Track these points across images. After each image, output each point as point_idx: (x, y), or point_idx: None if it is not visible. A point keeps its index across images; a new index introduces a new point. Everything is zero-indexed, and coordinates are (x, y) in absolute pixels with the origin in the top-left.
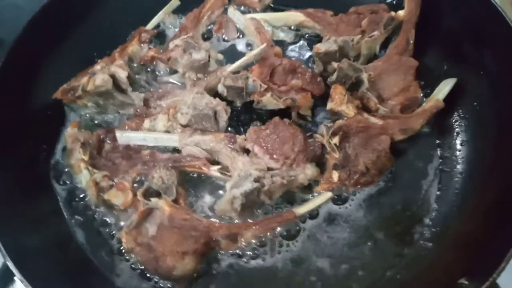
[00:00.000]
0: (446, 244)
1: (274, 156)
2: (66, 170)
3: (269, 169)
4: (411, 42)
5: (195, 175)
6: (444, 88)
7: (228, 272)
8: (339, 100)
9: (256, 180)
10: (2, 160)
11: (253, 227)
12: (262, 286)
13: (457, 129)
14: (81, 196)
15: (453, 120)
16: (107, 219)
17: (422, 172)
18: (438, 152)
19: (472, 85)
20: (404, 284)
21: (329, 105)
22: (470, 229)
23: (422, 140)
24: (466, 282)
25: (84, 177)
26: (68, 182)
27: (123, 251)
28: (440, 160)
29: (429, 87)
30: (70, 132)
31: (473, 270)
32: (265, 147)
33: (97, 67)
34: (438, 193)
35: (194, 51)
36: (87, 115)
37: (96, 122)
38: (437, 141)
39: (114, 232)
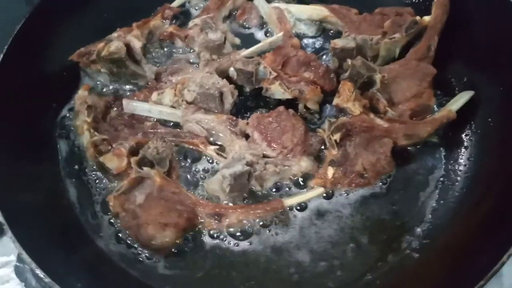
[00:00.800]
0: (433, 257)
1: (272, 144)
2: (71, 130)
3: (264, 156)
4: (433, 49)
5: (195, 153)
6: (460, 99)
7: (208, 250)
8: (346, 97)
9: (249, 164)
10: (11, 112)
11: (239, 210)
12: (239, 268)
13: (466, 144)
14: (81, 157)
15: (464, 134)
16: (101, 182)
17: (423, 182)
18: (443, 164)
19: (489, 101)
20: None
21: (336, 100)
22: (459, 246)
23: (429, 150)
24: None
25: (85, 138)
26: (70, 141)
27: (110, 214)
28: (443, 173)
29: (446, 97)
30: (80, 94)
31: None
32: (264, 134)
33: (114, 34)
34: (434, 205)
35: (211, 31)
36: (100, 81)
37: (107, 89)
38: (444, 153)
39: (104, 195)
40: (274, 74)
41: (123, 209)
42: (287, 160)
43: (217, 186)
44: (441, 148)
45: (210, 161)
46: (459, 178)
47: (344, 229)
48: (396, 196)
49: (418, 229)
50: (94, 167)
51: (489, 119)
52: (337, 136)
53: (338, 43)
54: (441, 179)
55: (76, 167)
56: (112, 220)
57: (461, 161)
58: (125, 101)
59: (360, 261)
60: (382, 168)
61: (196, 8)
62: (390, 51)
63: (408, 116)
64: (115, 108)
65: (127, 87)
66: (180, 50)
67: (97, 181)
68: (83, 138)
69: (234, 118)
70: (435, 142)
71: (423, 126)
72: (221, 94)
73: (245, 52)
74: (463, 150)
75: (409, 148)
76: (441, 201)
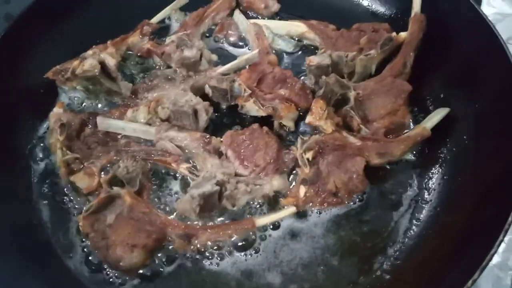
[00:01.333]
0: (404, 278)
1: (245, 162)
2: (46, 148)
3: (237, 174)
4: (409, 65)
5: (170, 171)
6: (435, 117)
7: (178, 272)
8: (318, 115)
9: (219, 183)
10: None
11: (209, 230)
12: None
13: (441, 161)
14: (55, 176)
15: (439, 152)
16: (74, 202)
17: (396, 201)
18: (417, 182)
19: (465, 119)
20: None
21: (308, 118)
22: (430, 265)
23: (403, 168)
24: None
25: (57, 157)
26: (45, 160)
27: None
28: (417, 191)
29: (421, 114)
30: (54, 111)
31: None
32: (237, 152)
33: (89, 52)
34: (407, 224)
35: (186, 48)
36: (76, 99)
37: (84, 106)
38: (418, 171)
39: (77, 215)
40: (249, 91)
41: (92, 229)
42: (259, 179)
43: (187, 206)
44: (416, 166)
45: (183, 180)
46: (432, 197)
47: (316, 250)
48: (369, 215)
49: (391, 250)
50: (68, 186)
51: (464, 137)
52: (309, 155)
53: (314, 60)
54: (415, 197)
55: (49, 186)
56: (83, 241)
57: (435, 179)
58: (99, 119)
59: (331, 283)
60: (354, 187)
61: (175, 22)
62: (366, 67)
63: (383, 133)
64: (90, 126)
65: (103, 104)
66: (157, 66)
67: (70, 201)
68: (56, 156)
69: (208, 136)
70: (411, 159)
71: (397, 144)
72: (195, 111)
73: (221, 69)
74: (437, 168)
75: (382, 166)
76: (414, 221)
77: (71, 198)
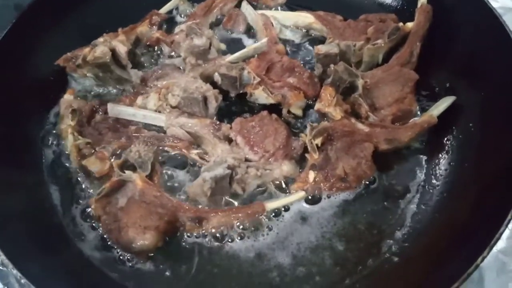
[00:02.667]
0: (412, 260)
1: (254, 148)
2: (57, 135)
3: (246, 160)
4: (415, 55)
5: (179, 157)
6: (441, 105)
7: (192, 254)
8: (327, 102)
9: (230, 167)
10: None
11: (220, 214)
12: (223, 273)
13: (447, 148)
14: (65, 161)
15: (446, 139)
16: (84, 186)
17: (404, 187)
18: (424, 168)
19: (471, 106)
20: None
21: (317, 105)
22: (438, 249)
23: (411, 155)
24: None
25: (69, 142)
26: (55, 146)
27: (92, 217)
28: (424, 177)
29: (428, 103)
30: (65, 98)
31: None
32: (247, 138)
33: (100, 39)
34: (415, 209)
35: (196, 36)
36: (86, 85)
37: (94, 93)
38: (426, 158)
39: (88, 199)
40: (258, 79)
41: (104, 212)
42: (269, 164)
43: (199, 189)
44: (423, 152)
45: (193, 165)
46: (439, 183)
47: (325, 234)
48: (377, 200)
49: (398, 233)
50: (78, 171)
51: (470, 124)
52: (318, 141)
53: (322, 49)
54: (422, 183)
55: (61, 171)
56: (94, 224)
57: (442, 166)
58: (109, 105)
59: (340, 266)
60: (363, 173)
61: (183, 15)
62: (373, 57)
63: (390, 121)
64: (100, 112)
65: (113, 91)
66: (167, 55)
67: (81, 185)
68: (67, 141)
69: (218, 122)
70: (418, 147)
71: (404, 131)
72: (205, 98)
73: (230, 57)
74: (444, 155)
75: (391, 152)
76: (422, 206)
77: (82, 182)
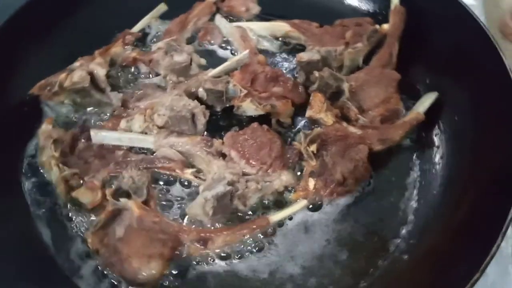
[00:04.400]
0: (421, 255)
1: (251, 161)
2: (38, 167)
3: (244, 174)
4: (394, 55)
5: (171, 178)
6: (426, 101)
7: (199, 279)
8: (318, 108)
9: (230, 183)
10: None
11: (224, 232)
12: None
13: (437, 143)
14: (51, 194)
15: (434, 134)
16: (75, 219)
17: (401, 184)
18: (418, 165)
19: (454, 100)
20: None
21: (308, 113)
22: (445, 242)
23: (402, 153)
24: None
25: (54, 174)
26: (37, 180)
27: (89, 252)
28: (419, 173)
29: (411, 101)
30: (43, 128)
31: (446, 284)
32: (241, 152)
33: (76, 64)
34: (415, 205)
35: (176, 53)
36: (64, 113)
37: (72, 121)
38: (417, 154)
39: (80, 232)
40: (245, 91)
41: (102, 245)
42: (268, 176)
43: (199, 210)
44: (414, 150)
45: (186, 184)
46: (435, 177)
47: (332, 240)
48: (377, 201)
49: (403, 231)
50: (68, 204)
51: (456, 118)
52: (313, 147)
53: (304, 56)
54: (418, 179)
55: (47, 206)
56: (93, 258)
57: (435, 160)
58: (93, 132)
59: (351, 271)
60: (360, 175)
61: (156, 31)
62: (353, 60)
63: (379, 121)
64: (83, 140)
65: (93, 117)
66: (143, 74)
67: (72, 218)
68: (51, 174)
69: (209, 139)
70: (408, 144)
71: (395, 129)
72: (193, 115)
73: (213, 72)
74: (435, 149)
75: (382, 153)
76: (421, 201)
77: (73, 215)
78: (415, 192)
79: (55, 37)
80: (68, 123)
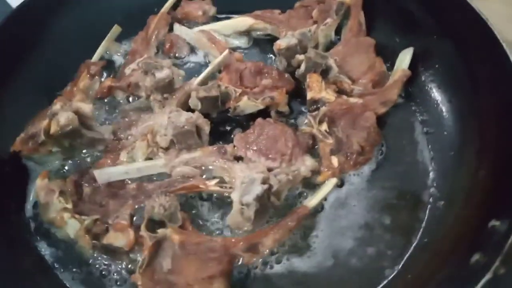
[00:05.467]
0: (457, 197)
1: (270, 156)
2: (45, 226)
3: (268, 170)
4: (363, 23)
5: (191, 196)
6: (405, 58)
7: (257, 284)
8: (317, 88)
9: (264, 181)
10: None
11: (272, 232)
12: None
13: (428, 92)
14: (71, 250)
15: (421, 85)
16: (111, 267)
17: (410, 140)
18: (418, 117)
19: (426, 50)
20: (435, 244)
21: (309, 94)
22: (479, 177)
23: (399, 111)
24: (497, 223)
25: (72, 228)
26: (50, 239)
27: None
28: (422, 125)
29: (388, 62)
30: (40, 184)
31: (499, 211)
32: (258, 150)
33: (56, 106)
34: (431, 154)
35: (157, 70)
36: (54, 163)
37: (66, 169)
38: (413, 108)
39: (123, 279)
40: (239, 90)
41: (154, 283)
42: (292, 165)
43: (239, 217)
44: (409, 104)
45: (205, 198)
46: (438, 122)
47: (368, 208)
48: (395, 162)
49: (429, 180)
50: (95, 254)
51: (436, 65)
52: (324, 127)
53: (282, 43)
54: (424, 130)
55: (73, 264)
56: None
57: (431, 108)
58: (96, 172)
59: (400, 232)
60: (374, 140)
61: (117, 54)
62: (327, 36)
63: (371, 87)
64: (86, 184)
65: (86, 158)
66: (122, 101)
67: (106, 268)
68: (66, 228)
69: (222, 146)
70: (401, 102)
71: (390, 90)
72: (197, 127)
73: (197, 80)
74: (427, 98)
75: (383, 118)
76: (435, 148)
77: (101, 264)
78: (425, 141)
79: (12, 87)
80: (60, 174)
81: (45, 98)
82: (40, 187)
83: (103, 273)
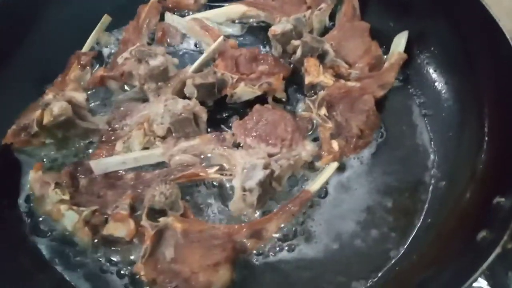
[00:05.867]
0: (458, 176)
1: (270, 141)
2: (41, 219)
3: (269, 155)
4: (357, 7)
5: (189, 184)
6: (400, 41)
7: (268, 271)
8: (315, 72)
9: (265, 167)
10: None
11: (274, 218)
12: (301, 273)
13: (424, 75)
14: (69, 243)
15: (417, 68)
16: (112, 258)
17: (409, 122)
18: (416, 100)
19: (420, 33)
20: (439, 224)
21: (308, 79)
22: (480, 156)
23: (396, 95)
24: (502, 199)
25: (69, 220)
26: (47, 233)
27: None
28: (420, 107)
29: (383, 46)
30: (34, 176)
31: (504, 188)
32: (257, 136)
33: (48, 96)
34: (431, 136)
35: (151, 58)
36: (48, 155)
37: (59, 160)
38: (411, 91)
39: (124, 269)
40: (236, 77)
41: (158, 272)
42: (293, 150)
43: (242, 203)
44: (406, 87)
45: (208, 185)
46: (436, 103)
47: (371, 191)
48: (394, 145)
49: (429, 162)
50: (95, 245)
51: (432, 48)
52: (324, 111)
53: (277, 29)
54: (422, 112)
55: (72, 258)
56: None
57: (429, 90)
58: (92, 163)
59: (402, 214)
60: (373, 124)
61: (107, 45)
62: (321, 21)
63: (368, 71)
64: (82, 176)
65: (80, 149)
66: (115, 91)
67: (106, 261)
68: (64, 221)
69: (220, 133)
70: (398, 85)
71: (388, 72)
72: (194, 115)
73: (193, 67)
74: (424, 81)
75: (381, 101)
76: (435, 129)
77: (102, 256)
78: (424, 123)
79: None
80: (55, 165)
81: (35, 91)
82: (34, 180)
83: (103, 268)
